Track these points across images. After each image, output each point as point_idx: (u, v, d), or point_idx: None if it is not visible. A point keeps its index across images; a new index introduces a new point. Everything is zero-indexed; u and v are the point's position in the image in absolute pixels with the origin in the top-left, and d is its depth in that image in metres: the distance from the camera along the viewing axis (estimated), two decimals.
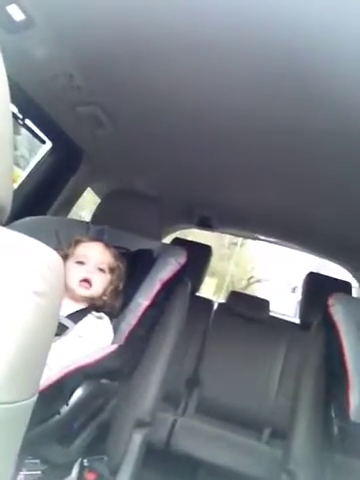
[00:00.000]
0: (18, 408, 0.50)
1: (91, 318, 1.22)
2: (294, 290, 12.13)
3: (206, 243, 2.53)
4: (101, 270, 1.27)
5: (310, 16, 0.84)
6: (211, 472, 1.87)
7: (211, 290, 10.07)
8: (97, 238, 1.38)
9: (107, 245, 1.32)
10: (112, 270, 1.29)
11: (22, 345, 0.48)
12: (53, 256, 0.54)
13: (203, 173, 1.86)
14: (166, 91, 1.26)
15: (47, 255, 0.53)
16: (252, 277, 13.65)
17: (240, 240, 12.05)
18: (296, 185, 1.71)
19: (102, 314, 1.24)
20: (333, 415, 1.08)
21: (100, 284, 1.26)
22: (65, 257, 1.26)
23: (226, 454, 1.89)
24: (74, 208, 2.02)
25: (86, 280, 1.24)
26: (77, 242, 1.31)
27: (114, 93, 1.35)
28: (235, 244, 13.22)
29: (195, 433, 1.99)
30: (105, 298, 1.27)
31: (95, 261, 1.27)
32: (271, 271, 13.39)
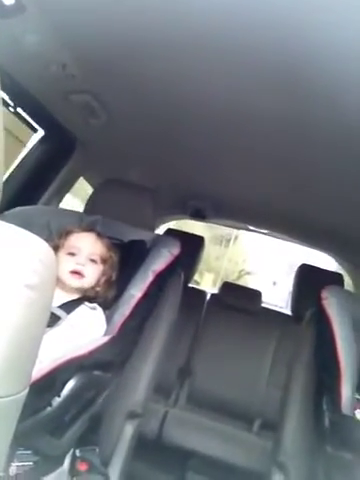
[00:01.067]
0: (10, 401, 0.50)
1: (84, 308, 1.21)
2: (274, 284, 12.98)
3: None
4: (93, 261, 1.25)
5: (309, 13, 0.84)
6: (202, 463, 1.89)
7: (209, 283, 11.20)
8: (89, 228, 1.36)
9: (99, 235, 1.30)
10: (104, 261, 1.28)
11: (14, 339, 0.47)
12: (45, 248, 0.53)
13: (197, 164, 1.85)
14: (161, 81, 1.24)
15: (39, 247, 0.52)
16: (242, 270, 14.40)
17: (233, 236, 13.01)
18: (289, 177, 1.71)
19: (95, 305, 1.24)
20: (324, 407, 1.09)
21: (92, 275, 1.25)
22: (56, 248, 1.24)
23: (217, 445, 1.91)
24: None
25: (77, 272, 1.22)
26: (68, 233, 1.29)
27: (108, 82, 1.33)
28: (229, 240, 13.99)
29: (186, 424, 2.00)
30: (98, 289, 1.26)
31: (87, 252, 1.25)
32: (258, 265, 14.31)
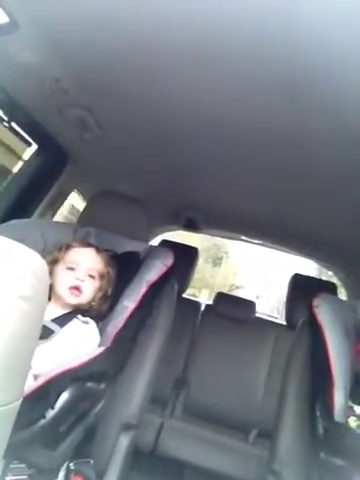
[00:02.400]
0: (3, 411, 0.50)
1: (77, 323, 1.21)
2: (257, 297, 14.43)
3: (194, 246, 2.55)
4: (91, 276, 1.26)
5: (309, 20, 0.84)
6: (198, 474, 1.88)
7: (206, 297, 12.94)
8: (88, 243, 1.36)
9: (98, 250, 1.31)
10: (102, 276, 1.28)
11: (6, 349, 0.48)
12: (38, 260, 0.54)
13: (190, 175, 1.86)
14: (153, 95, 1.26)
15: (32, 259, 0.53)
16: (233, 285, 16.17)
17: (224, 255, 15.16)
18: (283, 187, 1.72)
19: (88, 319, 1.24)
20: (318, 414, 1.09)
21: (90, 291, 1.25)
22: (55, 261, 1.25)
23: (213, 456, 1.90)
24: None
25: (76, 288, 1.22)
26: (68, 247, 1.29)
27: (101, 97, 1.35)
28: (221, 259, 16.04)
29: (182, 436, 1.99)
30: (93, 303, 1.26)
31: (86, 268, 1.25)
32: (246, 279, 16.64)
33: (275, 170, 1.57)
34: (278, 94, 1.11)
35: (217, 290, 2.86)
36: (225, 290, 14.20)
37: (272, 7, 0.83)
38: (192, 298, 2.63)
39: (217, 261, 15.90)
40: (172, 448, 1.90)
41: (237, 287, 15.87)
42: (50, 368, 0.99)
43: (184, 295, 2.50)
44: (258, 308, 2.54)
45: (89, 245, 1.33)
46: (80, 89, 1.31)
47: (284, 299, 2.36)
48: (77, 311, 1.24)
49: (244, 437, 2.17)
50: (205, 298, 11.92)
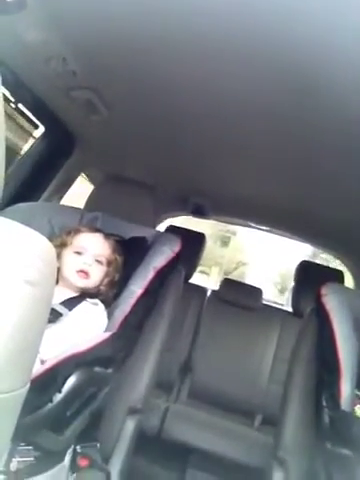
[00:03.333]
0: (11, 397, 0.50)
1: (86, 304, 1.22)
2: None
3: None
4: (99, 262, 1.26)
5: (311, 14, 0.83)
6: (202, 458, 1.90)
7: (216, 272, 14.59)
8: (96, 228, 1.36)
9: (106, 236, 1.31)
10: (110, 262, 1.28)
11: (14, 334, 0.47)
12: (45, 244, 0.53)
13: (198, 161, 1.84)
14: (162, 78, 1.24)
15: (39, 243, 0.52)
16: (240, 261, 17.40)
17: (231, 234, 15.87)
18: (290, 174, 1.70)
19: (97, 300, 1.24)
20: (324, 403, 1.09)
21: (97, 276, 1.25)
22: (63, 245, 1.25)
23: (217, 441, 1.92)
24: None
25: (83, 271, 1.23)
26: (77, 231, 1.29)
27: (109, 78, 1.33)
28: (229, 238, 16.90)
29: (187, 420, 2.01)
30: (101, 288, 1.27)
31: (94, 253, 1.25)
32: (250, 257, 18.17)
33: (283, 156, 1.56)
34: (282, 82, 1.10)
35: (226, 267, 2.87)
36: (232, 267, 15.90)
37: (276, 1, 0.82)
38: (198, 284, 2.62)
39: (225, 240, 17.07)
40: (177, 432, 1.91)
41: (243, 264, 17.31)
42: (60, 351, 0.99)
43: (195, 273, 2.49)
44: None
45: (97, 231, 1.33)
46: (87, 70, 1.29)
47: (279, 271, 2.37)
48: (85, 295, 1.24)
49: (249, 422, 2.18)
50: (215, 274, 13.79)
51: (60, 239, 1.27)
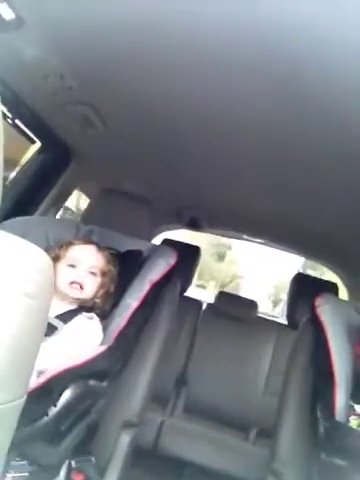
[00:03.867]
0: (7, 408, 0.50)
1: (81, 318, 1.22)
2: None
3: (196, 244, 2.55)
4: (92, 273, 1.26)
5: (310, 26, 0.85)
6: (198, 472, 1.88)
7: (213, 286, 14.91)
8: (89, 240, 1.36)
9: (99, 248, 1.31)
10: (104, 273, 1.28)
11: (12, 346, 0.48)
12: (43, 257, 0.54)
13: (193, 174, 1.86)
14: (157, 93, 1.26)
15: (37, 256, 0.53)
16: (235, 275, 18.00)
17: (227, 249, 17.05)
18: (285, 188, 1.72)
19: (92, 314, 1.24)
20: (319, 414, 1.09)
21: (91, 287, 1.25)
22: (56, 259, 1.25)
23: (213, 455, 1.90)
24: None
25: (77, 282, 1.23)
26: (69, 244, 1.30)
27: (105, 94, 1.35)
28: (225, 253, 17.83)
29: (182, 434, 2.00)
30: (97, 300, 1.27)
31: (87, 265, 1.26)
32: (245, 270, 18.76)
33: (278, 169, 1.57)
34: (278, 98, 1.12)
35: (222, 280, 2.88)
36: (228, 280, 16.52)
37: (273, 8, 0.84)
38: (193, 297, 2.62)
39: (221, 254, 18.05)
40: (173, 446, 1.90)
41: (238, 277, 18.06)
42: (56, 364, 0.99)
43: (193, 287, 2.50)
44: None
45: (90, 242, 1.33)
46: (84, 86, 1.31)
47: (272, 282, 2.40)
48: (81, 308, 1.24)
49: (244, 436, 2.17)
50: (212, 288, 14.13)
51: (53, 253, 1.27)
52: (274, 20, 0.87)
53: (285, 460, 1.20)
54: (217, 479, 1.83)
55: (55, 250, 1.29)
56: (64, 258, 1.26)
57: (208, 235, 2.93)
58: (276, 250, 2.78)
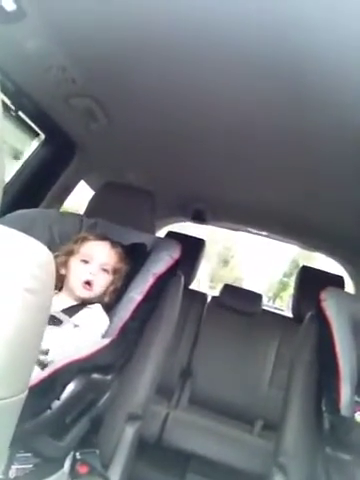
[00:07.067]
0: (8, 403, 0.50)
1: (85, 310, 1.23)
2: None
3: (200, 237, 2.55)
4: (105, 270, 1.26)
5: (310, 19, 0.84)
6: (203, 465, 1.89)
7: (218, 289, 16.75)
8: (104, 236, 1.35)
9: (113, 245, 1.31)
10: (115, 271, 1.29)
11: (13, 341, 0.48)
12: (44, 252, 0.53)
13: (197, 167, 1.85)
14: (161, 85, 1.25)
15: (38, 251, 0.52)
16: (237, 277, 20.43)
17: (230, 256, 21.39)
18: (290, 180, 1.71)
19: (96, 304, 1.25)
20: (324, 409, 1.09)
21: (101, 285, 1.26)
22: (70, 253, 1.26)
23: (218, 447, 1.91)
24: None
25: (88, 283, 1.23)
26: (84, 239, 1.30)
27: (108, 86, 1.34)
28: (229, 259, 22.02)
29: (187, 426, 2.00)
30: (105, 298, 1.27)
31: (100, 262, 1.26)
32: (246, 272, 22.18)
33: (281, 163, 1.57)
34: (282, 92, 1.12)
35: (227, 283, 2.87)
36: (231, 280, 17.99)
37: (274, 5, 0.83)
38: (198, 290, 2.62)
39: (227, 261, 21.48)
40: (177, 439, 1.90)
41: (240, 279, 20.38)
42: (67, 354, 1.00)
43: (206, 287, 2.49)
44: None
45: (105, 239, 1.33)
46: (87, 78, 1.30)
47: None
48: (87, 302, 1.25)
49: (249, 429, 2.17)
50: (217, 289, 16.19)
51: (67, 247, 1.28)
52: (276, 16, 0.86)
53: (290, 453, 1.20)
54: (222, 471, 1.84)
55: (69, 244, 1.30)
56: (78, 253, 1.27)
57: (214, 247, 2.93)
58: (269, 255, 2.76)
